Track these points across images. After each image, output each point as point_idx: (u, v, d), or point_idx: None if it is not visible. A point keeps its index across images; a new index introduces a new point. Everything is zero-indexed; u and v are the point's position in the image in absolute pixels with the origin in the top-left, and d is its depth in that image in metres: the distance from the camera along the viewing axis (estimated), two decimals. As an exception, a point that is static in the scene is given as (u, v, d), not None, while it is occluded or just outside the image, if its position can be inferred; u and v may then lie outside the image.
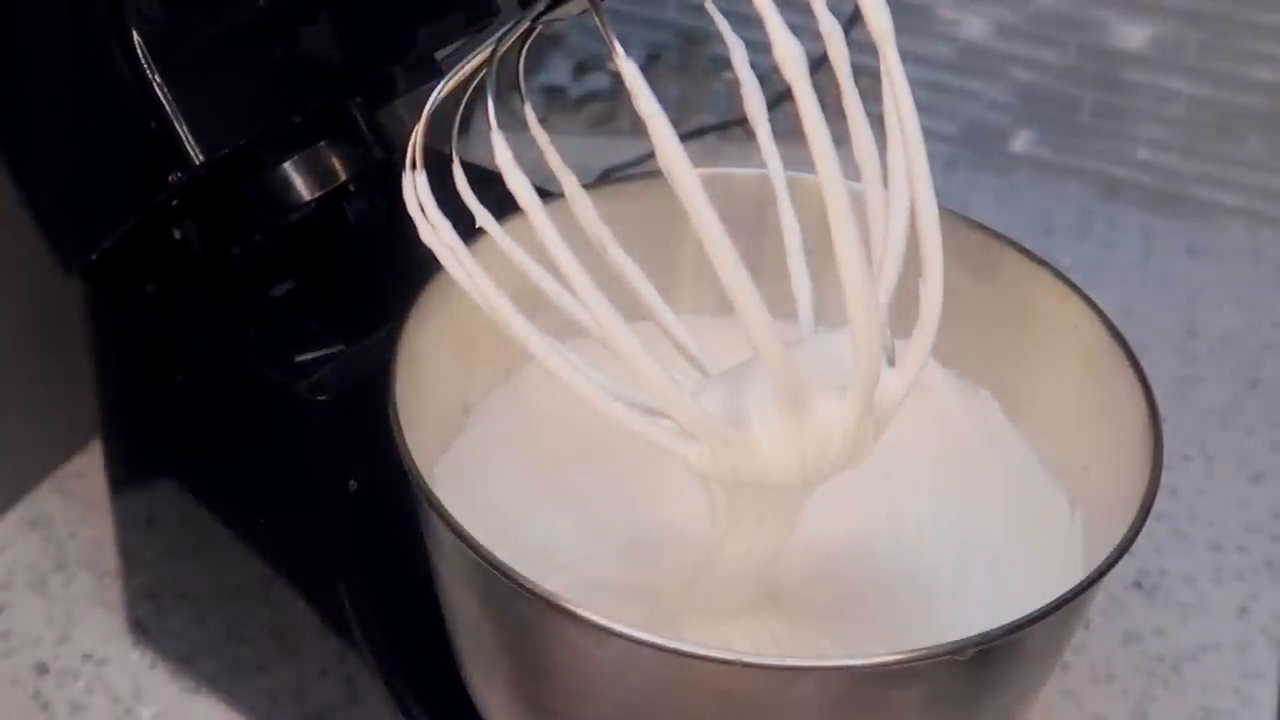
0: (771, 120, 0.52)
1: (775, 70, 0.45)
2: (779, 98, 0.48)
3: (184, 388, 0.71)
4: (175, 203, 0.68)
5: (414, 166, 0.54)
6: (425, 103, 0.53)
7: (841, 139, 0.47)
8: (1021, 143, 1.24)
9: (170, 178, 0.63)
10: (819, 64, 0.46)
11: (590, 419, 0.53)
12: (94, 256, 0.68)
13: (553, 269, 0.52)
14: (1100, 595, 0.85)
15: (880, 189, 0.53)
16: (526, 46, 0.54)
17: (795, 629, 0.62)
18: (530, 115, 0.54)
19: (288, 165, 0.67)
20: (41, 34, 0.65)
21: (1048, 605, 0.52)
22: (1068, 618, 0.56)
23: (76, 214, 0.69)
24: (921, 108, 0.50)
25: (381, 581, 0.70)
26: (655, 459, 0.54)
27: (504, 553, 0.52)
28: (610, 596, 0.62)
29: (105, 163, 0.67)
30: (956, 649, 0.49)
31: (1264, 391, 1.05)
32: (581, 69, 1.22)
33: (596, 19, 0.48)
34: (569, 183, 0.54)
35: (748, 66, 0.51)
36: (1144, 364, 0.61)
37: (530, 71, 0.52)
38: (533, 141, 0.54)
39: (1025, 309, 0.66)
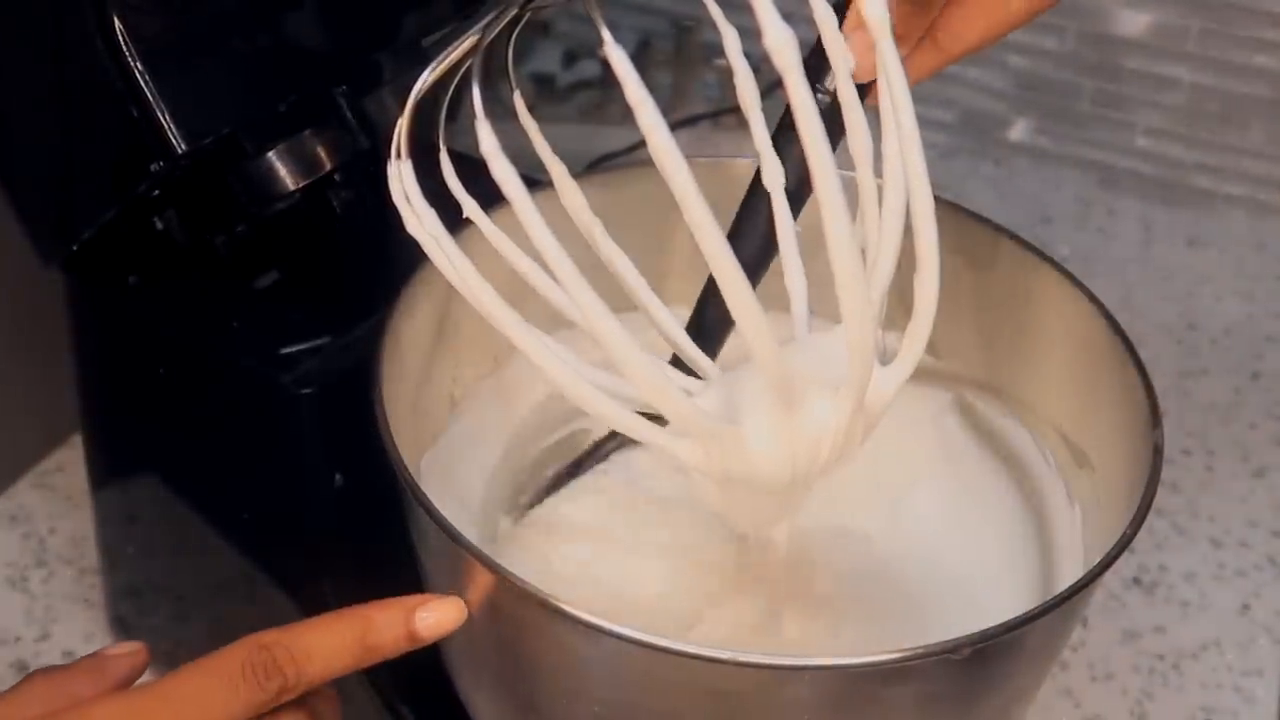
0: (765, 109, 0.51)
1: (767, 58, 0.44)
2: (772, 86, 0.48)
3: (166, 381, 0.71)
4: (157, 192, 0.68)
5: (399, 155, 0.53)
6: (412, 91, 0.53)
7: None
8: (1019, 131, 1.23)
9: (152, 167, 0.62)
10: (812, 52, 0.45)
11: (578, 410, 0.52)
12: (74, 247, 0.68)
13: (540, 260, 0.51)
14: (1099, 592, 0.85)
15: (875, 179, 0.52)
16: (515, 33, 0.54)
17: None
18: (519, 103, 0.53)
19: (271, 154, 0.67)
20: (22, 20, 0.64)
21: (1045, 603, 0.52)
22: (1066, 615, 0.56)
23: (56, 204, 0.69)
24: (917, 96, 0.49)
25: (367, 578, 0.69)
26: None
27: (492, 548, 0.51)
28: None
29: (86, 151, 0.66)
30: (952, 647, 0.49)
31: (1266, 384, 1.04)
32: (571, 57, 1.22)
33: (586, 6, 0.48)
34: (557, 171, 0.54)
35: (740, 54, 0.51)
36: (1143, 356, 0.60)
37: (519, 59, 0.52)
38: (522, 130, 0.54)
39: (1023, 300, 0.66)
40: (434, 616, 0.50)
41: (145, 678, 0.79)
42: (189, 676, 0.47)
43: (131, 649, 0.52)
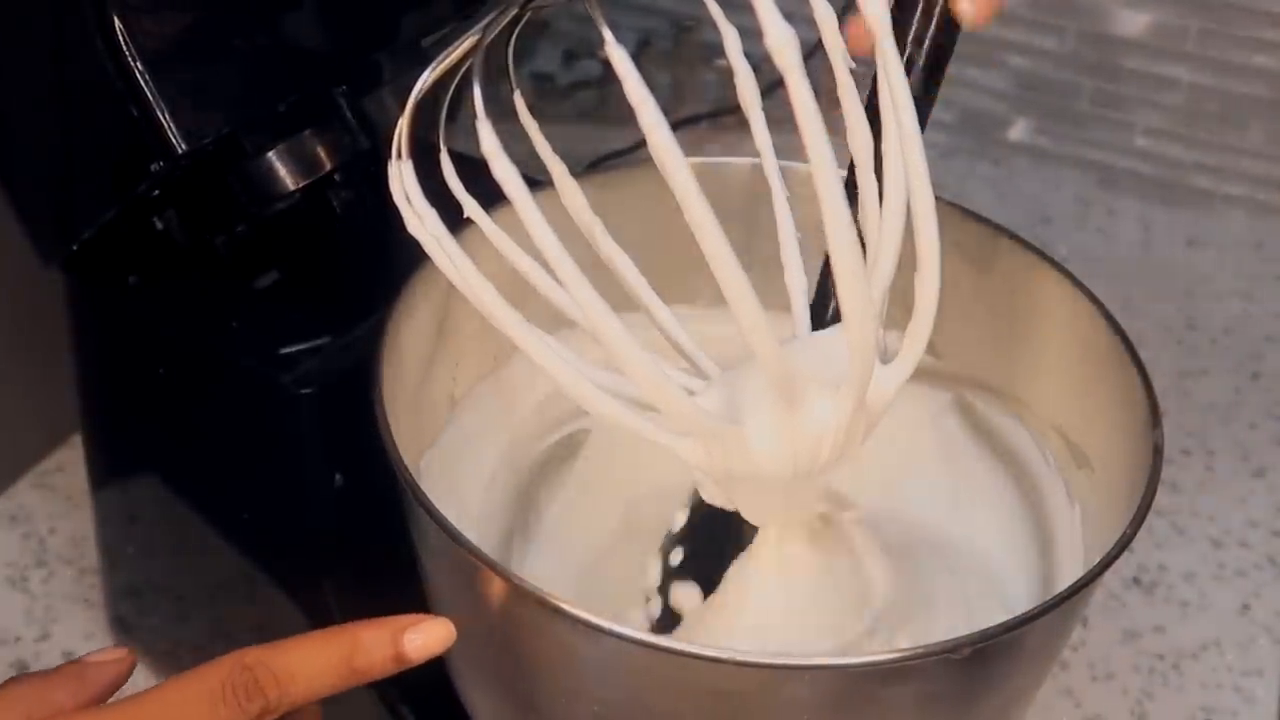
0: (765, 108, 0.51)
1: (768, 58, 0.44)
2: (773, 86, 0.48)
3: (166, 381, 0.70)
4: (157, 192, 0.67)
5: (399, 155, 0.53)
6: (412, 91, 0.53)
7: (836, 127, 0.46)
8: (1019, 131, 1.23)
9: (152, 167, 0.62)
10: (812, 51, 0.45)
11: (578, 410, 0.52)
12: (74, 247, 0.68)
13: (541, 259, 0.51)
14: (1099, 592, 0.85)
15: (875, 179, 0.52)
16: (515, 33, 0.54)
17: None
18: (519, 103, 0.53)
19: (271, 154, 0.66)
20: (22, 20, 0.64)
21: (1045, 603, 0.52)
22: (1066, 615, 0.56)
23: (56, 204, 0.69)
24: (916, 96, 0.49)
25: (367, 578, 0.69)
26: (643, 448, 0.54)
27: (491, 548, 0.51)
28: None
29: (86, 151, 0.66)
30: (952, 647, 0.49)
31: (1266, 384, 1.04)
32: (571, 56, 1.21)
33: (587, 5, 0.47)
34: (557, 171, 0.54)
35: (741, 54, 0.51)
36: (1143, 356, 0.60)
37: (519, 59, 0.52)
38: (522, 130, 0.54)
39: (1022, 300, 0.65)
40: (422, 638, 0.49)
41: (147, 679, 0.80)
42: (169, 692, 0.47)
43: (116, 656, 0.51)
